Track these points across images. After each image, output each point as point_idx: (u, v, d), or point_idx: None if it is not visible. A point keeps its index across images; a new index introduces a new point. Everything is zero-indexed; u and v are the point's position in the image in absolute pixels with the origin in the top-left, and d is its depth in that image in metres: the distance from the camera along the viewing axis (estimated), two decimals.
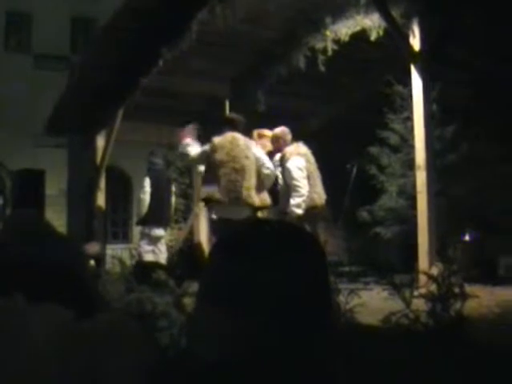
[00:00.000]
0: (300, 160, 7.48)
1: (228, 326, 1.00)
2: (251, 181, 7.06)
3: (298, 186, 7.32)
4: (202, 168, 8.77)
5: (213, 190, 6.99)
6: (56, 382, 1.26)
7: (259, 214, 7.36)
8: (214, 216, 7.14)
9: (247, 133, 7.53)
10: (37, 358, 1.27)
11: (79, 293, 1.49)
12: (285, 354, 1.00)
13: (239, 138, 7.16)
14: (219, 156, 7.00)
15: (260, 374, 0.99)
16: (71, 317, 1.34)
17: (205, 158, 7.28)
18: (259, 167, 7.16)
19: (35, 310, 1.34)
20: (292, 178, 7.37)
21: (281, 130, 7.89)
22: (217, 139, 7.13)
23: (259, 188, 7.19)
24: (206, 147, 7.23)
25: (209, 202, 7.19)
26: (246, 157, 7.09)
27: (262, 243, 1.06)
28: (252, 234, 1.09)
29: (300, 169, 7.40)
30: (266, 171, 7.19)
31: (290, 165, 7.45)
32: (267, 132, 8.10)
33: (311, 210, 7.39)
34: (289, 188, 7.44)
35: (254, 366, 0.99)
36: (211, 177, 7.11)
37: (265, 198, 7.34)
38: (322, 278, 1.08)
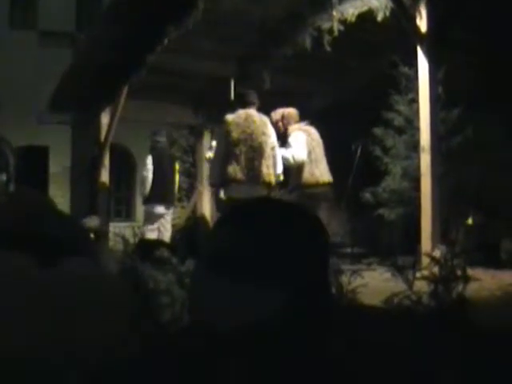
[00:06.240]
0: (301, 134, 7.53)
1: (230, 296, 1.02)
2: (270, 159, 6.99)
3: (294, 152, 7.35)
4: (209, 153, 8.72)
5: (232, 170, 6.81)
6: (18, 329, 1.21)
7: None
8: (224, 195, 6.92)
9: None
10: None
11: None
12: (281, 330, 1.01)
13: (254, 114, 7.07)
14: (235, 134, 6.85)
15: (258, 347, 1.00)
16: (32, 263, 1.29)
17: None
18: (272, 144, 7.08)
19: None
20: (290, 147, 7.41)
21: (287, 110, 7.91)
22: (230, 117, 7.00)
23: (274, 166, 7.12)
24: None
25: (226, 182, 6.91)
26: (263, 133, 6.97)
27: (267, 219, 1.08)
28: (258, 210, 1.11)
29: (299, 141, 7.44)
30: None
31: (290, 139, 7.49)
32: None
33: (313, 189, 7.39)
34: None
35: (252, 339, 1.01)
36: (225, 156, 6.95)
37: (280, 176, 7.27)
38: (321, 257, 1.10)
